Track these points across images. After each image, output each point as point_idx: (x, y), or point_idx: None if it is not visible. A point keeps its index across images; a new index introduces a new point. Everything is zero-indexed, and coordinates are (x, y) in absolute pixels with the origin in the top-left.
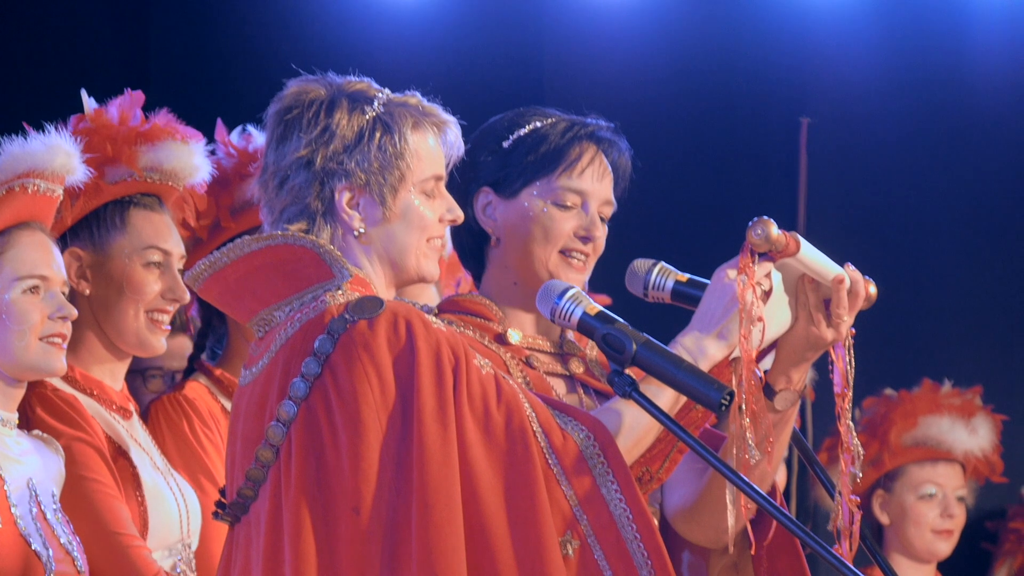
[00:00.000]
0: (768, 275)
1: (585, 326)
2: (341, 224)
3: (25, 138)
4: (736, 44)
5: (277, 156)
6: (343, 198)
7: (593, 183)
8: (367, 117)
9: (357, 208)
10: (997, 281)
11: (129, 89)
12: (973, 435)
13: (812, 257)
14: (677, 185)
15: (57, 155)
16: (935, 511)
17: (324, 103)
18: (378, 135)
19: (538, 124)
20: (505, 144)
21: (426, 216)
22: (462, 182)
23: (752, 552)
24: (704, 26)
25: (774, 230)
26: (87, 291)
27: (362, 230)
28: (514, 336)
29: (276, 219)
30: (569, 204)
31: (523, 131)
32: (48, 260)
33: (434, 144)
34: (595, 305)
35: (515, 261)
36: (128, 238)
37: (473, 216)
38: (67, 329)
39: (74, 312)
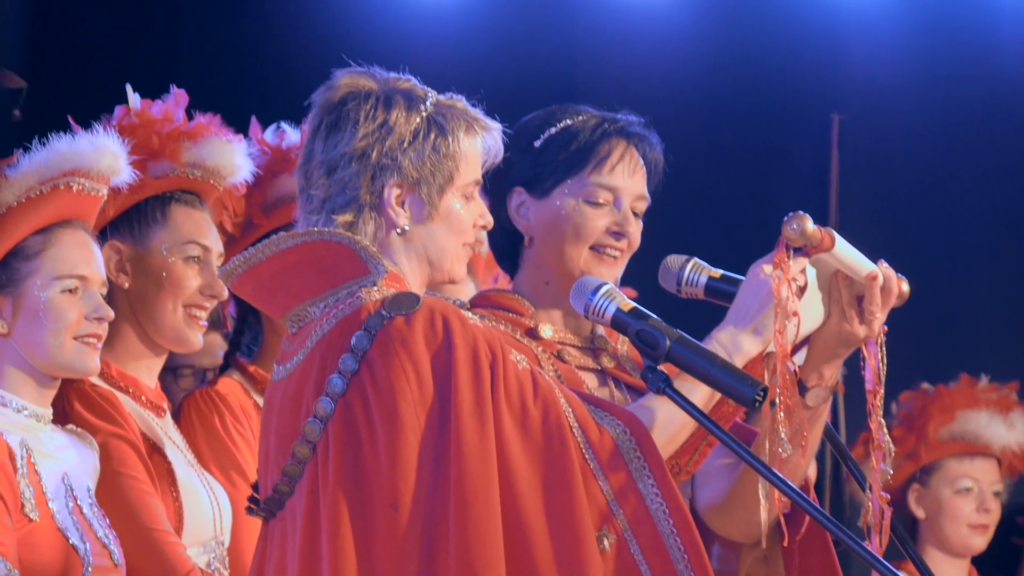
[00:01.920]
0: (803, 271)
1: (619, 322)
2: (386, 219)
3: (70, 135)
4: (767, 41)
5: (327, 146)
6: (392, 194)
7: (624, 179)
8: (422, 116)
9: (403, 205)
10: None
11: (175, 87)
12: (1011, 430)
13: (846, 253)
14: (709, 181)
15: (104, 156)
16: (971, 505)
17: (380, 97)
18: (433, 135)
19: (569, 122)
20: (536, 144)
21: (464, 220)
22: (495, 183)
23: (784, 545)
24: (736, 23)
25: (810, 225)
26: (126, 284)
27: (407, 227)
28: (546, 331)
29: (318, 208)
30: (601, 201)
31: (554, 130)
32: (89, 260)
33: (479, 149)
34: (628, 301)
35: (548, 260)
36: (168, 233)
37: (507, 216)
38: (103, 330)
39: (111, 314)
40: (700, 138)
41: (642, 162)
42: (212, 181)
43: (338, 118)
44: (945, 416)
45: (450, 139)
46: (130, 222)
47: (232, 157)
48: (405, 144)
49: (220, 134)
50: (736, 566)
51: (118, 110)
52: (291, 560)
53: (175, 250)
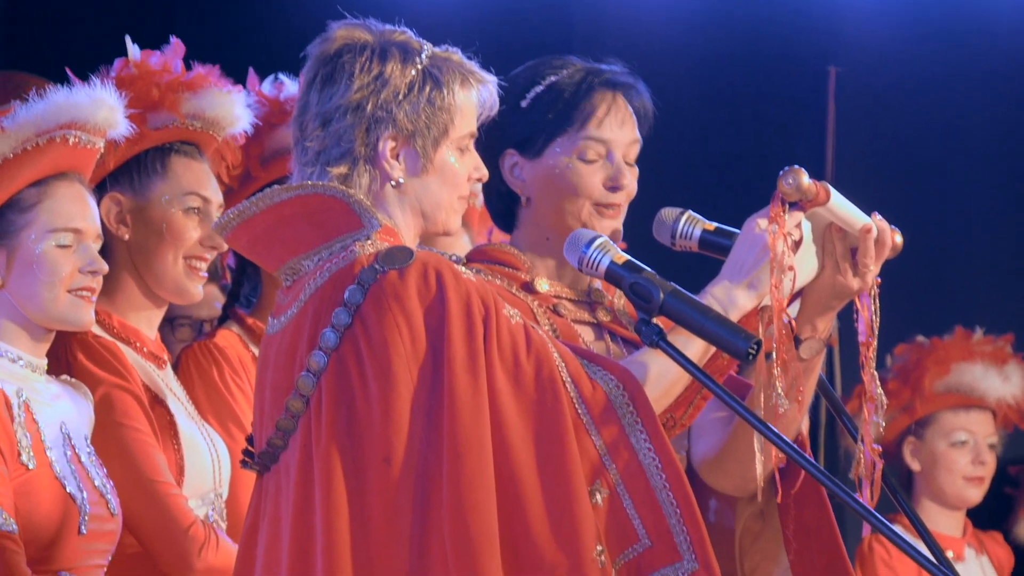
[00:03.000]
0: (799, 225)
1: (613, 275)
2: (381, 172)
3: (68, 87)
4: None
5: (322, 97)
6: (387, 147)
7: (614, 131)
8: (417, 68)
9: (398, 158)
10: None
11: (175, 38)
12: (1006, 382)
13: (841, 206)
14: (704, 134)
15: (101, 108)
16: (966, 458)
17: (376, 50)
18: (428, 88)
19: (553, 79)
20: (524, 103)
21: (459, 173)
22: (486, 144)
23: (779, 500)
24: None
25: (805, 179)
26: (126, 236)
27: (401, 180)
28: (542, 285)
29: (313, 160)
30: (593, 156)
31: (540, 88)
32: (84, 213)
33: (474, 103)
34: (622, 254)
35: (547, 219)
36: (168, 184)
37: (501, 178)
38: (97, 283)
39: (105, 267)
40: (696, 91)
41: (630, 109)
42: (211, 132)
43: (333, 70)
44: (940, 369)
45: (445, 92)
46: (130, 173)
47: (232, 108)
48: (400, 96)
49: (219, 85)
50: (732, 521)
51: (117, 62)
52: (285, 513)
53: (175, 201)
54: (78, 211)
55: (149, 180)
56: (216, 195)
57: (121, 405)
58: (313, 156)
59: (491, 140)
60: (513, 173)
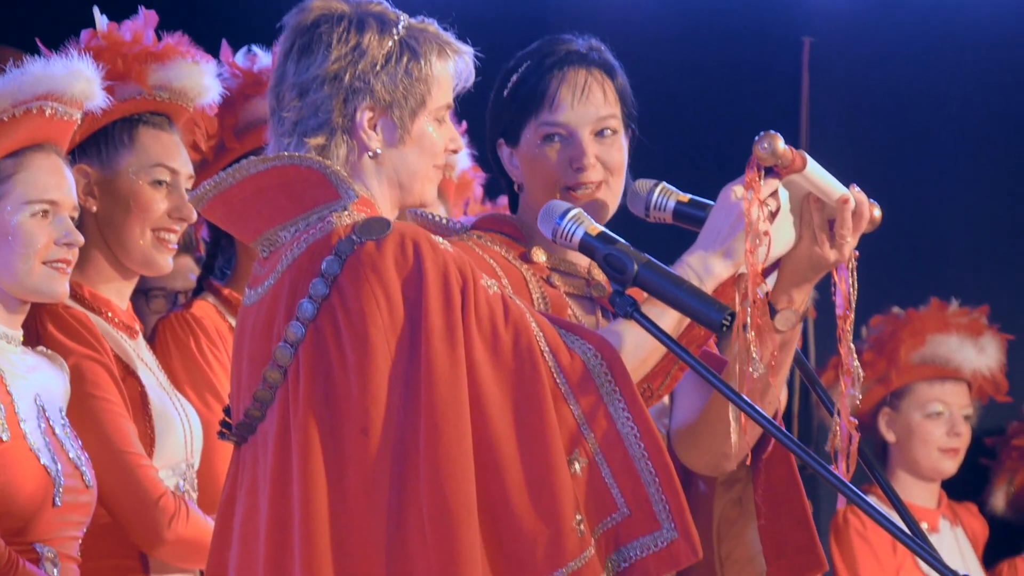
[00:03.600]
0: (775, 194)
1: (586, 246)
2: (358, 142)
3: (38, 56)
4: None
5: (299, 68)
6: (364, 117)
7: (575, 110)
8: (395, 39)
9: (375, 129)
10: (1003, 201)
11: (146, 9)
12: (981, 354)
13: (818, 175)
14: (678, 106)
15: (78, 80)
16: (941, 429)
17: (353, 20)
18: (406, 59)
19: (525, 66)
20: (505, 93)
21: (436, 143)
22: (487, 136)
23: (748, 463)
24: None
25: (780, 144)
26: (94, 208)
27: (379, 151)
28: (540, 255)
29: (289, 131)
30: (556, 139)
31: (516, 77)
32: (60, 184)
33: (451, 73)
34: (597, 226)
35: (535, 204)
36: (136, 156)
37: (501, 167)
38: (73, 255)
39: (81, 239)
40: (670, 63)
41: (593, 82)
42: (180, 103)
43: (310, 41)
44: (916, 340)
45: (423, 63)
46: (97, 146)
47: (199, 78)
48: (378, 67)
49: (188, 55)
50: (712, 505)
51: (84, 33)
52: (262, 484)
53: (142, 173)
54: (54, 183)
55: (116, 152)
56: (186, 167)
57: (91, 376)
58: (290, 127)
59: (487, 130)
60: (511, 162)
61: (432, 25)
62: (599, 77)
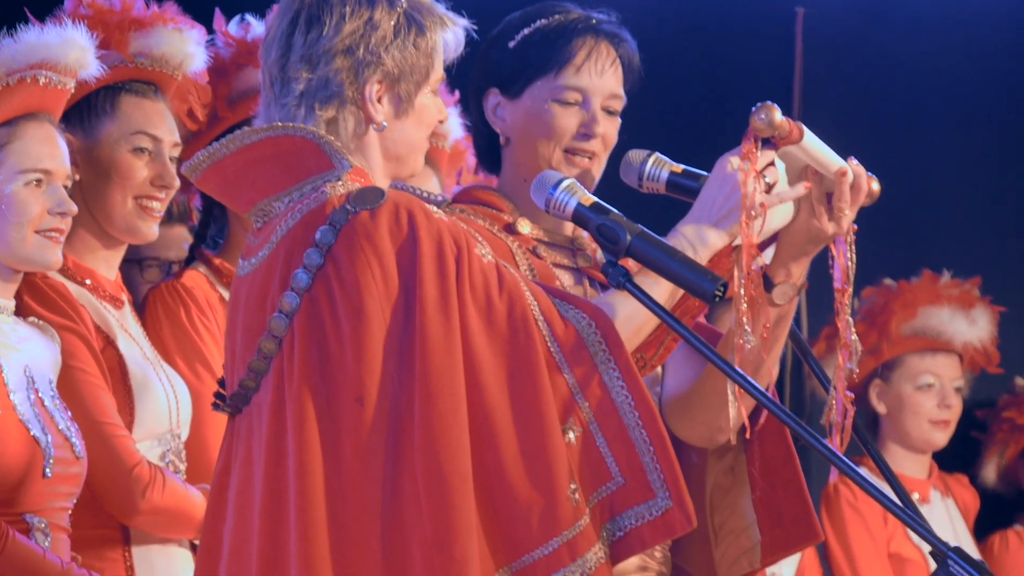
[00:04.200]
0: (772, 166)
1: (580, 217)
2: (366, 115)
3: (25, 24)
4: None
5: (308, 39)
6: (374, 91)
7: (593, 78)
8: (398, 13)
9: (382, 102)
10: (995, 172)
11: None
12: (973, 326)
13: (816, 147)
14: (672, 77)
15: (72, 49)
16: (932, 401)
17: None
18: (413, 32)
19: (543, 22)
20: (511, 44)
21: (433, 115)
22: (474, 84)
23: (747, 436)
24: None
25: (778, 115)
26: (77, 177)
27: (385, 124)
28: (524, 227)
29: (297, 101)
30: (570, 101)
31: (528, 30)
32: (54, 153)
33: (447, 45)
34: (590, 196)
35: (523, 159)
36: (117, 124)
37: (483, 118)
38: (66, 224)
39: (74, 208)
40: (662, 32)
41: (617, 60)
42: (164, 71)
43: (320, 11)
44: (907, 312)
45: (428, 36)
46: (80, 114)
47: (182, 45)
48: (388, 41)
49: (170, 22)
50: (704, 476)
51: (68, 2)
52: (257, 455)
53: (123, 141)
54: (48, 152)
55: (98, 120)
56: (170, 134)
57: (68, 346)
58: (298, 98)
59: (478, 80)
60: (496, 112)
61: None
62: (624, 58)
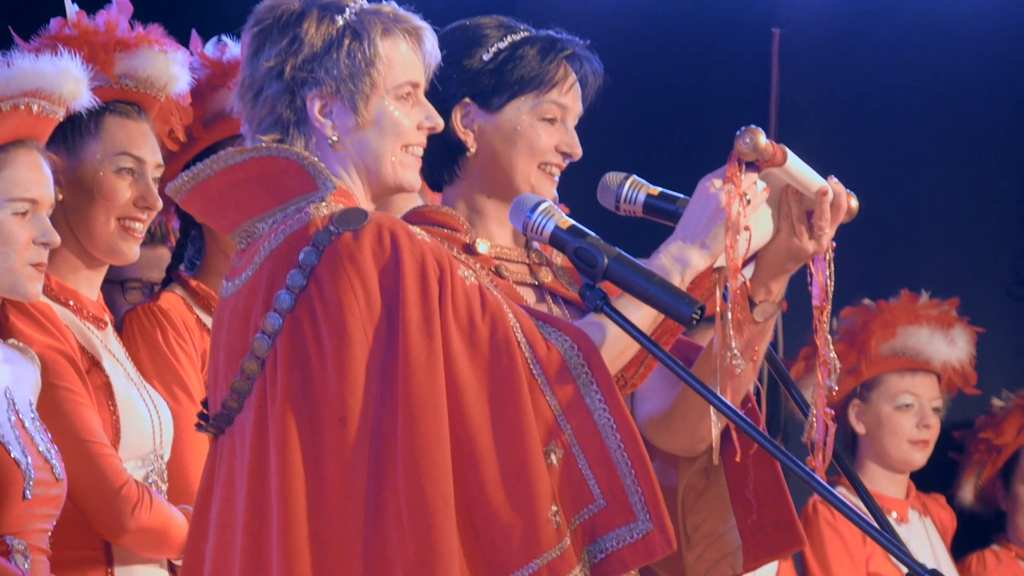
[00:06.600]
0: (754, 185)
1: (557, 240)
2: (315, 133)
3: (10, 45)
4: None
5: (252, 69)
6: (314, 106)
7: (572, 99)
8: (337, 25)
9: (330, 116)
10: (973, 193)
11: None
12: (952, 346)
13: (797, 168)
14: (648, 98)
15: (67, 80)
16: (911, 421)
17: (294, 14)
18: (347, 42)
19: (516, 38)
20: (485, 57)
21: (401, 122)
22: (438, 93)
23: (738, 459)
24: None
25: (762, 139)
26: (59, 197)
27: (335, 138)
28: (482, 246)
29: (254, 131)
30: (550, 118)
31: (503, 44)
32: (40, 182)
33: (407, 51)
34: (567, 219)
35: (495, 173)
36: (101, 144)
37: (450, 127)
38: (46, 257)
39: (57, 239)
40: (639, 54)
41: (580, 84)
42: (148, 92)
43: (259, 41)
44: (886, 332)
45: (365, 44)
46: (64, 134)
47: (167, 67)
48: (319, 55)
49: (157, 44)
50: (675, 480)
51: (54, 22)
52: (240, 475)
53: (106, 161)
54: (35, 180)
55: (82, 140)
56: (153, 155)
57: (54, 366)
58: (255, 127)
59: (444, 88)
60: (463, 122)
61: (388, 5)
62: (590, 78)
